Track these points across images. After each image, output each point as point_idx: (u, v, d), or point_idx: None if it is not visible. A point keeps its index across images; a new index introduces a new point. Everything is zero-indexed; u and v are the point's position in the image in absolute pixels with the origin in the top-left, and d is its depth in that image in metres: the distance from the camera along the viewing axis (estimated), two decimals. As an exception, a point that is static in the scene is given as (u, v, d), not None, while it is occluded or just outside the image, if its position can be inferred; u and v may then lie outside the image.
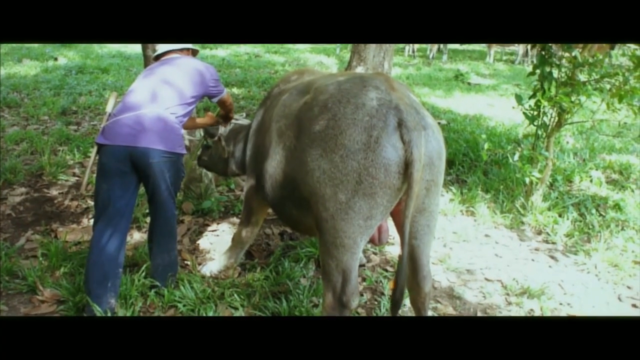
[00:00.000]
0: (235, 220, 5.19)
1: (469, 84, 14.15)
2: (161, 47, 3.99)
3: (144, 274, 3.84)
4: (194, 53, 4.17)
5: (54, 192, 5.72)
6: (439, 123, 8.49)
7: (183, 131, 3.78)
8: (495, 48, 20.35)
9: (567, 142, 8.18)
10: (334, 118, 2.74)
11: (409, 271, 2.99)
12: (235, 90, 11.21)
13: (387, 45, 7.30)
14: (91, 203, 5.28)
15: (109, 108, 3.80)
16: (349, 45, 14.45)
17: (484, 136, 7.64)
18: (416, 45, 20.40)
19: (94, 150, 3.66)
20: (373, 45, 7.18)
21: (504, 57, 21.55)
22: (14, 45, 16.27)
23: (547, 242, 5.14)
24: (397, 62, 16.62)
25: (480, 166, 6.82)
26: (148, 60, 4.94)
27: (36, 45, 16.47)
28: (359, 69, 7.21)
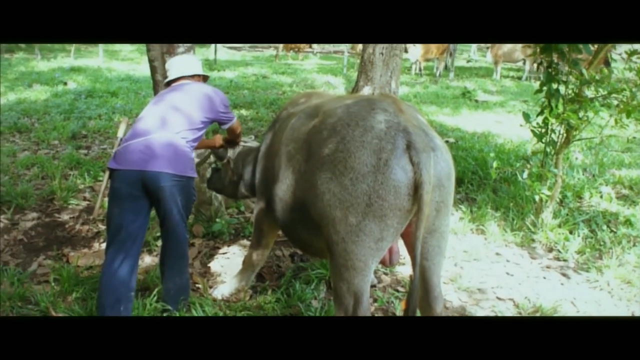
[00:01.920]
0: (246, 242, 5.19)
1: (476, 101, 14.17)
2: (171, 74, 4.04)
3: (155, 297, 3.85)
4: (205, 79, 4.22)
5: (65, 216, 5.76)
6: (447, 141, 8.51)
7: (193, 154, 3.81)
8: (502, 64, 20.36)
9: (576, 158, 8.11)
10: (342, 141, 2.76)
11: (421, 292, 2.99)
12: (243, 111, 11.27)
13: (394, 64, 7.33)
14: (102, 227, 5.30)
15: (120, 133, 3.85)
16: (356, 65, 14.51)
17: (492, 154, 7.64)
18: (423, 64, 20.43)
19: (106, 175, 3.69)
20: (380, 65, 7.21)
21: (511, 74, 21.55)
22: (24, 70, 16.47)
23: (558, 259, 5.12)
24: (404, 81, 16.66)
25: (489, 184, 6.80)
26: (157, 84, 4.98)
27: (46, 69, 16.66)
28: (366, 89, 7.24)
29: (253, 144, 4.62)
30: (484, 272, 4.84)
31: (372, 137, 2.69)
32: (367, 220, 2.68)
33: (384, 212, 2.65)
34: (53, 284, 4.25)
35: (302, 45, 25.80)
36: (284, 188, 3.32)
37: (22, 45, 24.03)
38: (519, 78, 20.17)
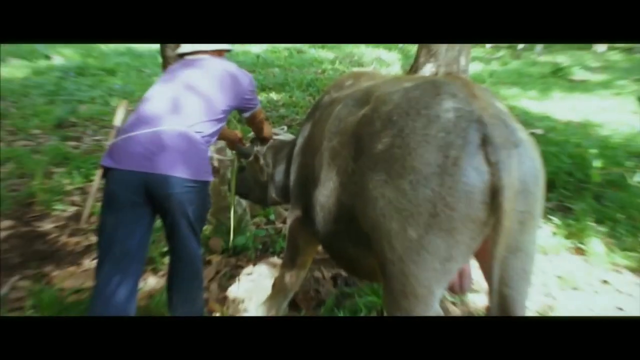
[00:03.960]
0: (277, 260, 5.23)
1: (571, 80, 13.99)
2: (187, 45, 4.04)
3: (162, 329, 3.90)
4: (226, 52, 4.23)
5: (47, 225, 5.84)
6: (532, 133, 8.37)
7: (211, 151, 3.81)
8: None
9: None
10: (400, 134, 2.76)
11: (500, 327, 3.00)
12: (273, 95, 11.29)
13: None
14: (94, 239, 5.35)
15: (117, 121, 3.85)
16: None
17: (594, 150, 7.53)
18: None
19: (98, 174, 3.68)
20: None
21: (619, 44, 21.14)
22: (-4, 41, 16.68)
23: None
24: (476, 56, 16.51)
25: (590, 189, 6.70)
26: (167, 61, 5.05)
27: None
28: (429, 67, 7.26)
29: (286, 136, 4.65)
30: (585, 304, 4.78)
31: (437, 129, 2.68)
32: (431, 235, 2.66)
33: (453, 224, 2.63)
34: (31, 311, 4.31)
35: None
36: (326, 193, 3.35)
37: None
38: (630, 49, 19.74)
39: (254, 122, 4.32)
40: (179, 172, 3.48)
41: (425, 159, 2.65)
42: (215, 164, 4.77)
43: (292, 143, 4.23)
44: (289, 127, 6.01)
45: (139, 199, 3.52)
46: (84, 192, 6.61)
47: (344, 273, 4.98)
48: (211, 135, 3.76)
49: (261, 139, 4.49)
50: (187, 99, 3.66)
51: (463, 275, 3.09)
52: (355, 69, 13.28)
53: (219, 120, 3.80)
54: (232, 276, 5.06)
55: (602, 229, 5.89)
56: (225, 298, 4.76)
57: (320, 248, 4.07)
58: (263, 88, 11.59)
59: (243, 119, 4.33)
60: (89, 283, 4.54)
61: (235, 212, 5.51)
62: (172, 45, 4.95)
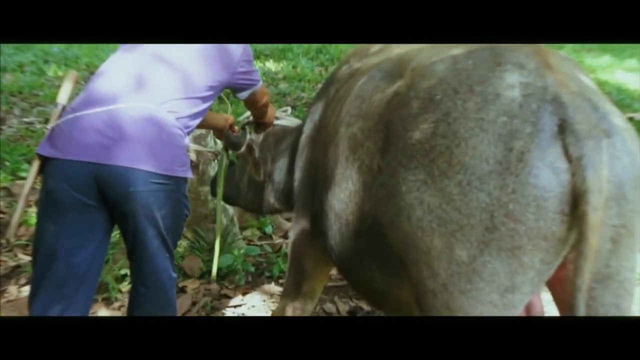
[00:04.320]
0: (274, 288, 5.25)
1: (688, 44, 13.91)
2: None
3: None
4: None
5: (-42, 240, 5.85)
6: (631, 119, 8.32)
7: (187, 140, 3.77)
8: None
9: None
10: (446, 119, 2.71)
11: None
12: (271, 64, 11.23)
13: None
14: (26, 258, 5.39)
15: (62, 98, 3.78)
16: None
17: None
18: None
19: (33, 167, 3.60)
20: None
21: None
22: None
23: None
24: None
25: None
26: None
27: None
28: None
29: (290, 121, 4.66)
30: None
31: (497, 112, 2.61)
32: (487, 256, 2.61)
33: (517, 242, 2.56)
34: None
35: None
36: (344, 197, 3.34)
37: None
38: None
39: (255, 106, 4.31)
40: (144, 164, 3.45)
41: (479, 152, 2.57)
42: (192, 156, 4.78)
43: (298, 130, 4.23)
44: (293, 108, 5.99)
45: (90, 201, 3.48)
46: (10, 193, 6.58)
47: (365, 306, 4.98)
48: (190, 117, 3.74)
49: (257, 125, 4.48)
50: (156, 71, 3.65)
51: (531, 312, 3.03)
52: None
53: (202, 100, 3.79)
54: (214, 308, 5.08)
55: None
56: (205, 338, 4.76)
57: (334, 272, 4.08)
58: (257, 55, 11.50)
59: (243, 102, 4.31)
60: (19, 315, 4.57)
61: (219, 222, 5.53)
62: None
